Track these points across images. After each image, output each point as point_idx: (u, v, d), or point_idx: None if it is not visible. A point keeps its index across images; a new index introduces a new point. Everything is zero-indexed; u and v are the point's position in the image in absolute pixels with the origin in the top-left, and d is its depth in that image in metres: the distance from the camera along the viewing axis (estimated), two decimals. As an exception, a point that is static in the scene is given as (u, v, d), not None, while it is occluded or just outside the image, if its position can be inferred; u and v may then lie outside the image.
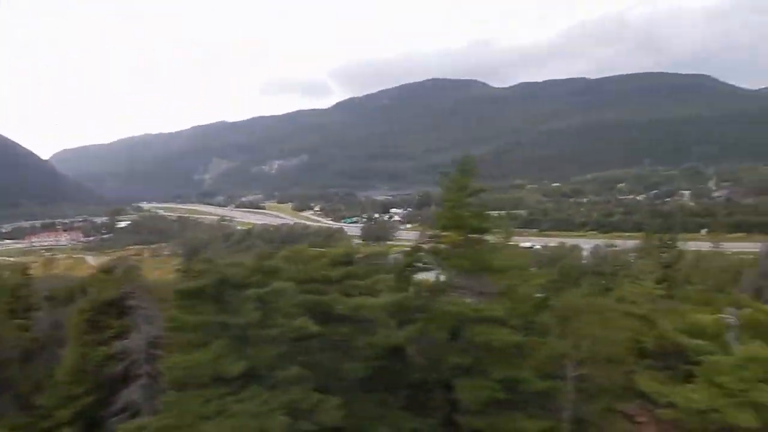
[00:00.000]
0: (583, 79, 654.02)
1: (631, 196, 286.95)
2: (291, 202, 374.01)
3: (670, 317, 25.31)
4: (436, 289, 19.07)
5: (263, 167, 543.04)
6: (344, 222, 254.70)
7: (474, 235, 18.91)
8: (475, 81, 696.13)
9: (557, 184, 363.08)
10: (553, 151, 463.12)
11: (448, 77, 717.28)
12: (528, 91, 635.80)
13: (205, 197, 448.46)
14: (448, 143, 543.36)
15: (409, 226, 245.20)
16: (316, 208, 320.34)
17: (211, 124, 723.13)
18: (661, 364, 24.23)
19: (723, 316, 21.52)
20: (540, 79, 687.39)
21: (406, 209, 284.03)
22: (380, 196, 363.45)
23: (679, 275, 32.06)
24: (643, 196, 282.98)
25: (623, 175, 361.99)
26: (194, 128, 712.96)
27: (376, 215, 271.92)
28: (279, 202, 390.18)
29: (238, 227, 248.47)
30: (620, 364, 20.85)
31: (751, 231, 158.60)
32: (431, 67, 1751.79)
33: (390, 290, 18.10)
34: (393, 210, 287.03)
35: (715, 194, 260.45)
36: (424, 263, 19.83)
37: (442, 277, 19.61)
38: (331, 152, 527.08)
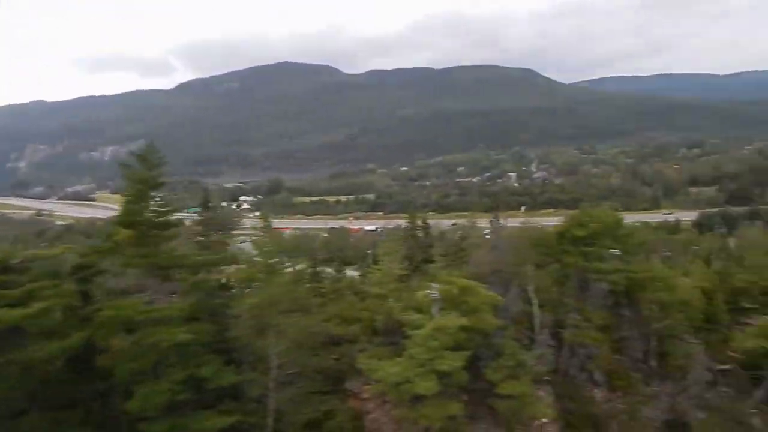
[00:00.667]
0: (429, 69, 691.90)
1: (468, 179, 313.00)
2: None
3: (404, 295, 27.08)
4: (112, 291, 17.62)
5: (93, 153, 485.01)
6: (188, 212, 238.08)
7: (156, 231, 17.72)
8: (327, 66, 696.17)
9: (405, 168, 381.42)
10: (402, 137, 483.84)
11: (300, 61, 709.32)
12: (378, 79, 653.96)
13: (20, 189, 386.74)
14: (301, 129, 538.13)
15: (258, 213, 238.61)
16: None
17: (25, 104, 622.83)
18: (389, 341, 25.88)
19: (428, 291, 23.38)
20: (389, 67, 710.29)
21: (256, 197, 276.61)
22: (229, 184, 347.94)
23: (430, 253, 34.52)
24: (478, 178, 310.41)
25: (462, 159, 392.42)
26: (3, 108, 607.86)
27: (224, 204, 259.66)
28: (113, 193, 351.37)
29: (58, 222, 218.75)
30: (324, 348, 21.47)
31: (557, 207, 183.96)
32: (283, 50, 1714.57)
33: (55, 297, 16.14)
34: (243, 198, 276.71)
35: (535, 175, 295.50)
36: (104, 264, 18.16)
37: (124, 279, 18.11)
38: (175, 137, 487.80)
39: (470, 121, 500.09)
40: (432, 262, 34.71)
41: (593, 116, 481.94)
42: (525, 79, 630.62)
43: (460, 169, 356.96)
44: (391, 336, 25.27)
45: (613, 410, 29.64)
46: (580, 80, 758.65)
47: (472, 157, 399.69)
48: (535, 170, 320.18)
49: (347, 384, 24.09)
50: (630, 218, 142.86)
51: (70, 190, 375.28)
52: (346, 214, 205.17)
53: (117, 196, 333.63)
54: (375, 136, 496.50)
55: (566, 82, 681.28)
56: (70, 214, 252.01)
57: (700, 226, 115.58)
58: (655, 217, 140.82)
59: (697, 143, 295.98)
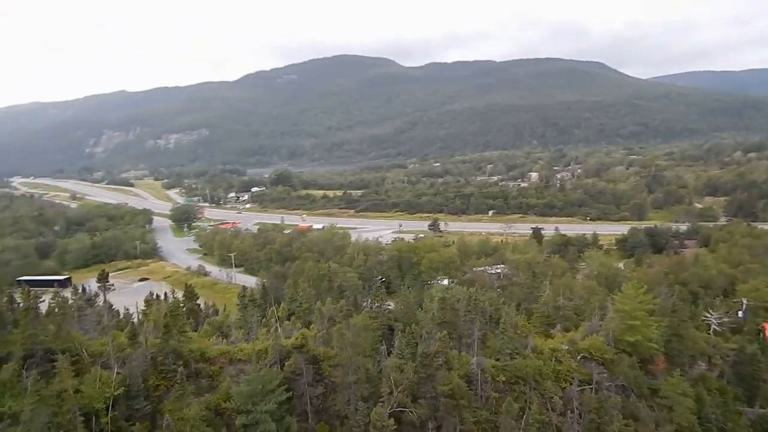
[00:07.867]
0: (490, 62, 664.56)
1: (491, 177, 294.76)
2: (168, 179, 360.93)
3: None
4: None
5: (159, 141, 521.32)
6: (186, 200, 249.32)
7: None
8: (386, 59, 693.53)
9: (437, 164, 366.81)
10: (449, 131, 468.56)
11: (358, 54, 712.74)
12: (436, 71, 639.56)
13: (85, 173, 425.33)
14: (353, 121, 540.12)
15: (248, 205, 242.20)
16: (181, 189, 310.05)
17: (109, 93, 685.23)
18: None
19: None
20: (450, 60, 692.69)
21: (265, 188, 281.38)
22: (267, 174, 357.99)
23: None
24: (499, 176, 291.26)
25: (498, 156, 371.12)
26: (89, 98, 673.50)
27: (232, 194, 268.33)
28: (156, 179, 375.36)
29: (73, 206, 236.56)
30: None
31: (527, 212, 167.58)
32: (341, 43, 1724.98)
33: None
34: (254, 189, 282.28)
35: (558, 176, 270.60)
36: None
37: None
38: (233, 127, 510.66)
39: (524, 116, 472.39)
40: None
41: (661, 114, 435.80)
42: (593, 73, 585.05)
43: (489, 166, 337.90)
44: None
45: None
46: (660, 75, 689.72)
47: (507, 154, 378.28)
48: (565, 169, 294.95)
49: None
50: (589, 229, 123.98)
51: (124, 175, 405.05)
52: (321, 211, 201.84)
53: (156, 182, 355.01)
54: (422, 130, 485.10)
55: (643, 77, 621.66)
56: (101, 198, 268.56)
57: (620, 243, 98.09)
58: (618, 229, 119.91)
59: (755, 146, 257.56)
